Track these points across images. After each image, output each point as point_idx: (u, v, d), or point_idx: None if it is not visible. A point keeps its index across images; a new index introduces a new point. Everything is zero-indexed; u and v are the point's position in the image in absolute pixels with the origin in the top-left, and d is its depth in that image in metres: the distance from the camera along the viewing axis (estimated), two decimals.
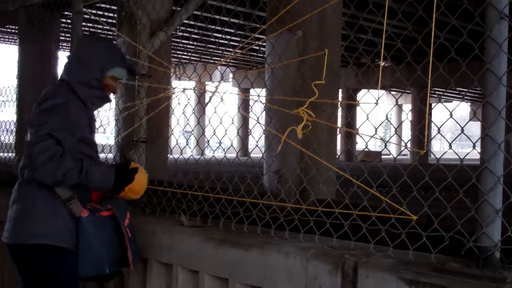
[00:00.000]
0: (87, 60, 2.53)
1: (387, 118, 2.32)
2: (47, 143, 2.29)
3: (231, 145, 2.87)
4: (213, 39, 3.73)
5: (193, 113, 3.44)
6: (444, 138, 2.80)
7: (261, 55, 5.35)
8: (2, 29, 15.89)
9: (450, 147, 2.16)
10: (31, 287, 2.49)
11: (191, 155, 3.29)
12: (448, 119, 2.25)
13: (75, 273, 2.43)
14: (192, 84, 3.91)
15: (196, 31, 3.73)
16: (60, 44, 6.50)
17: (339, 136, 3.41)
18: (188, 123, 5.37)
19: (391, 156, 2.69)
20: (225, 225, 2.77)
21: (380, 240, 2.20)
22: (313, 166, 2.75)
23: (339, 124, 4.59)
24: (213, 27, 3.31)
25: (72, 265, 2.43)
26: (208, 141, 4.07)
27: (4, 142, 6.02)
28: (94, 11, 3.83)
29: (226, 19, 3.19)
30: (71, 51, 2.73)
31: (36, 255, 2.41)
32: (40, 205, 2.42)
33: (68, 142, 2.36)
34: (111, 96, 2.69)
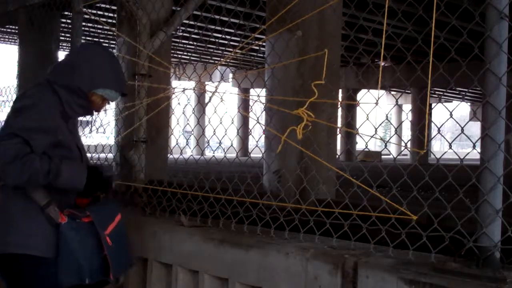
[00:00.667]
0: (82, 68, 2.37)
1: (387, 118, 2.32)
2: (11, 142, 2.18)
3: (231, 145, 2.87)
4: (213, 39, 3.73)
5: (193, 113, 3.44)
6: (444, 138, 2.79)
7: (261, 55, 5.35)
8: (2, 29, 15.88)
9: (450, 147, 2.16)
10: None
11: (191, 155, 3.29)
12: (448, 119, 2.25)
13: (53, 282, 2.28)
14: (192, 84, 3.91)
15: (196, 31, 3.72)
16: (60, 44, 6.50)
17: (339, 136, 3.41)
18: (188, 123, 5.37)
19: (391, 156, 2.69)
20: (225, 225, 2.77)
21: (380, 240, 2.20)
22: (313, 166, 2.75)
23: (339, 124, 4.59)
24: (213, 27, 3.31)
25: (49, 274, 2.27)
26: (208, 141, 4.07)
27: None
28: (94, 11, 3.83)
29: (226, 19, 3.19)
30: (69, 53, 2.59)
31: (12, 265, 2.29)
32: (14, 212, 2.31)
33: (38, 142, 2.23)
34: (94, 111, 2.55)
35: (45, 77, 2.42)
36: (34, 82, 2.48)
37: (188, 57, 17.52)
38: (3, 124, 2.31)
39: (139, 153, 3.52)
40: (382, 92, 2.44)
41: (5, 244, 2.28)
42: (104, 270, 2.38)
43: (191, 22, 3.86)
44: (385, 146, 2.39)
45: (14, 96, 5.99)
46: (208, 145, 4.05)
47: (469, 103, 32.13)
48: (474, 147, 2.00)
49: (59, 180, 2.26)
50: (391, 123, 2.68)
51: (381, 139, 2.45)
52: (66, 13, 5.72)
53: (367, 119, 2.29)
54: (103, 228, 2.38)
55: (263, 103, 3.08)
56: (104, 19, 3.70)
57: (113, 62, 2.49)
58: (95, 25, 3.90)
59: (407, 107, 32.13)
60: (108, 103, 2.54)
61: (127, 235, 2.58)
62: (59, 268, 2.28)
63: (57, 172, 2.25)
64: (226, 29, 3.56)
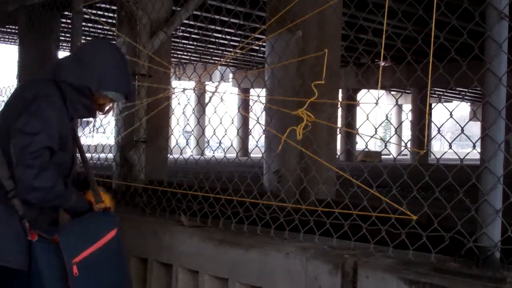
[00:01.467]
0: (94, 68, 2.21)
1: (387, 118, 2.32)
2: (47, 163, 2.06)
3: (231, 145, 2.87)
4: (213, 39, 3.73)
5: (193, 113, 3.44)
6: (444, 138, 2.79)
7: (261, 55, 5.35)
8: (2, 29, 15.88)
9: (450, 147, 2.16)
10: None
11: (191, 155, 3.28)
12: (448, 119, 2.25)
13: None
14: (192, 84, 3.91)
15: (196, 31, 3.72)
16: (60, 44, 6.50)
17: (339, 136, 3.41)
18: (188, 123, 5.37)
19: (391, 156, 2.69)
20: (225, 225, 2.77)
21: (380, 240, 2.20)
22: (313, 166, 2.75)
23: (339, 124, 4.59)
24: (213, 27, 3.31)
25: (24, 287, 2.09)
26: (208, 141, 4.07)
27: None
28: (94, 11, 3.83)
29: (226, 19, 3.19)
30: (78, 50, 2.41)
31: None
32: None
33: (56, 155, 2.14)
34: (98, 113, 2.38)
35: (50, 73, 2.26)
36: (37, 78, 2.31)
37: (188, 57, 17.52)
38: (17, 119, 2.10)
39: (139, 153, 3.52)
40: (382, 92, 2.44)
41: None
42: None
43: (191, 22, 3.86)
44: (385, 146, 2.39)
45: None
46: (208, 145, 4.05)
47: (469, 103, 32.12)
48: (474, 147, 2.00)
49: (68, 204, 2.18)
50: (391, 123, 2.68)
51: (381, 139, 2.45)
52: (66, 13, 5.72)
53: (367, 119, 2.29)
54: (71, 255, 2.09)
55: (263, 103, 3.08)
56: (104, 19, 3.71)
57: (123, 62, 2.33)
58: (95, 25, 3.90)
59: (407, 107, 32.12)
60: (113, 105, 2.42)
61: (120, 260, 2.30)
62: (31, 284, 2.09)
63: (69, 198, 2.17)
64: (226, 29, 3.56)
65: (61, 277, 2.08)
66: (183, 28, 4.30)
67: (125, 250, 2.33)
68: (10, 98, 2.29)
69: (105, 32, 4.38)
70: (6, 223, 2.10)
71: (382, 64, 2.37)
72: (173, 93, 3.23)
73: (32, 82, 2.28)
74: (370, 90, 2.34)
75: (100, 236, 2.19)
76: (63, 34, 7.43)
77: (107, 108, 2.37)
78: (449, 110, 2.19)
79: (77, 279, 2.07)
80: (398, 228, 2.13)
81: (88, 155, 2.78)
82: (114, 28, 4.15)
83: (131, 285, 2.39)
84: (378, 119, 2.66)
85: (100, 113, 2.37)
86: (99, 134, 4.54)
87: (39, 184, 2.04)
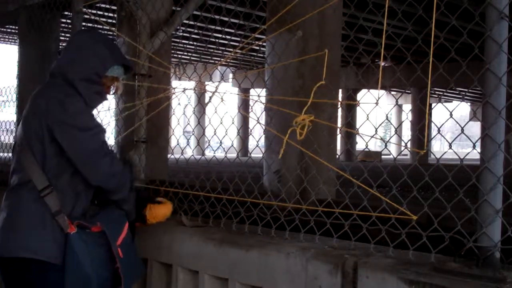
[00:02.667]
0: (91, 55, 2.39)
1: (387, 118, 2.32)
2: (117, 164, 2.42)
3: (232, 145, 2.87)
4: (213, 39, 3.73)
5: (194, 113, 3.44)
6: (444, 138, 2.79)
7: (261, 55, 5.35)
8: (2, 29, 15.89)
9: (450, 147, 2.16)
10: None
11: (192, 155, 3.28)
12: (448, 119, 2.25)
13: None
14: (192, 84, 3.91)
15: (196, 31, 3.72)
16: (60, 44, 6.50)
17: (339, 136, 3.41)
18: (188, 123, 5.37)
19: (391, 156, 2.70)
20: (226, 225, 2.77)
21: (380, 240, 2.20)
22: (313, 166, 2.75)
23: (339, 124, 4.59)
24: (213, 27, 3.31)
25: (56, 281, 2.22)
26: (209, 141, 4.07)
27: (4, 142, 6.02)
28: (94, 11, 3.83)
29: (226, 19, 3.19)
30: (71, 45, 2.50)
31: (19, 270, 2.25)
32: (26, 216, 2.26)
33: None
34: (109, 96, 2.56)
35: (60, 76, 2.38)
36: (47, 83, 2.44)
37: (188, 57, 17.52)
38: (78, 147, 2.30)
39: (140, 153, 3.52)
40: (382, 92, 2.44)
41: (15, 248, 2.24)
42: (113, 283, 2.33)
43: (191, 22, 3.86)
44: (385, 146, 2.39)
45: (14, 96, 6.00)
46: (209, 145, 4.05)
47: (469, 103, 32.13)
48: (474, 147, 2.00)
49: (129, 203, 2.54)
50: (391, 123, 2.68)
51: (381, 139, 2.45)
52: (66, 13, 5.72)
53: (367, 119, 2.29)
54: (114, 239, 2.32)
55: (263, 103, 3.08)
56: (104, 19, 3.71)
57: (109, 40, 2.55)
58: (95, 25, 3.90)
59: (407, 107, 32.13)
60: (117, 81, 2.54)
61: (135, 244, 2.57)
62: (66, 277, 2.22)
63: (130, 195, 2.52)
64: (226, 29, 3.56)
65: (102, 263, 2.30)
66: (183, 28, 4.30)
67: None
68: (27, 109, 2.41)
69: (105, 32, 4.38)
70: (42, 222, 2.24)
71: (382, 64, 2.37)
72: (173, 93, 3.23)
73: (45, 90, 2.41)
74: (370, 90, 2.34)
75: (123, 225, 2.45)
76: (63, 34, 7.44)
77: (114, 88, 2.55)
78: (449, 110, 2.19)
79: (122, 260, 2.32)
80: (398, 228, 2.13)
81: None
82: (114, 28, 4.15)
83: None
84: (378, 119, 2.66)
85: (111, 94, 2.56)
86: None
87: (116, 169, 2.38)
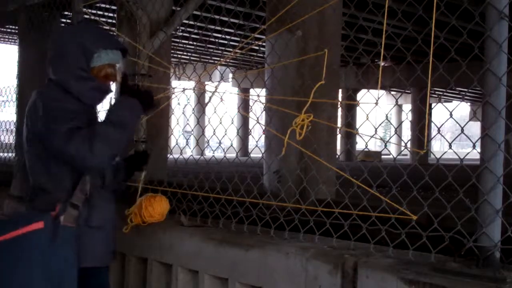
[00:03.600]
0: (70, 51, 2.18)
1: (387, 118, 2.32)
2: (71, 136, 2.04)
3: (231, 145, 2.87)
4: (213, 39, 3.73)
5: (193, 113, 3.44)
6: (444, 138, 2.80)
7: (261, 55, 5.34)
8: (2, 29, 15.87)
9: (450, 147, 2.16)
10: None
11: (191, 155, 3.28)
12: (448, 119, 2.24)
13: None
14: (191, 84, 3.91)
15: (196, 31, 3.72)
16: None
17: (339, 136, 3.41)
18: (188, 123, 5.37)
19: (391, 156, 2.70)
20: (225, 225, 2.77)
21: (380, 240, 2.20)
22: (313, 166, 2.75)
23: (339, 124, 4.59)
24: (213, 27, 3.31)
25: None
26: (208, 141, 4.07)
27: (4, 142, 6.02)
28: (94, 11, 3.83)
29: (226, 19, 3.19)
30: (52, 46, 2.31)
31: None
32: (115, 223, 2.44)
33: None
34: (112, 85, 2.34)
35: (48, 78, 2.27)
36: (40, 87, 2.29)
37: (188, 57, 17.51)
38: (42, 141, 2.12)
39: None
40: (382, 92, 2.44)
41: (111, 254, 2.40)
42: None
43: (191, 22, 3.86)
44: (385, 146, 2.39)
45: (14, 96, 6.00)
46: (208, 145, 4.05)
47: (469, 103, 32.11)
48: (474, 147, 2.00)
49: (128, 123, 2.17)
50: (391, 123, 2.68)
51: (381, 139, 2.45)
52: (66, 13, 5.72)
53: (367, 119, 2.29)
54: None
55: (263, 103, 3.08)
56: (104, 19, 3.70)
57: (93, 28, 2.35)
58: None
59: (407, 107, 32.12)
60: (115, 69, 2.29)
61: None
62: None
63: (121, 122, 2.12)
64: (226, 29, 3.56)
65: None
66: (183, 28, 4.30)
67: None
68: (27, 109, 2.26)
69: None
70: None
71: (382, 64, 2.37)
72: (173, 93, 3.23)
73: (38, 91, 2.25)
74: (370, 90, 2.34)
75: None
76: None
77: (113, 76, 2.28)
78: (449, 110, 2.19)
79: None
80: (398, 228, 2.13)
81: None
82: (114, 28, 4.15)
83: None
84: (378, 119, 2.66)
85: (113, 83, 2.32)
86: None
87: (96, 151, 2.03)
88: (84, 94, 2.21)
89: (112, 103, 2.34)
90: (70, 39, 2.22)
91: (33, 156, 2.21)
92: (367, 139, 2.30)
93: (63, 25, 6.64)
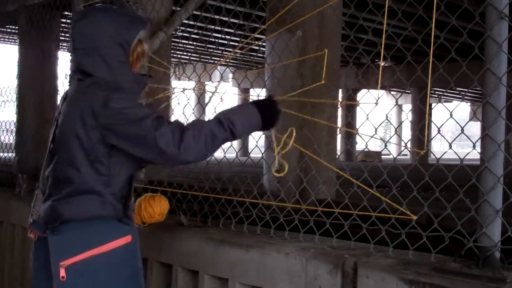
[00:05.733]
0: (110, 36, 2.01)
1: (387, 118, 2.32)
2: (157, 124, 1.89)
3: (231, 145, 2.87)
4: (213, 39, 3.73)
5: (193, 113, 3.44)
6: (444, 138, 2.79)
7: (261, 55, 5.34)
8: (2, 29, 15.87)
9: (450, 147, 2.16)
10: None
11: None
12: (448, 119, 2.24)
13: None
14: (191, 84, 3.91)
15: (196, 31, 3.72)
16: (60, 44, 6.50)
17: (339, 136, 3.41)
18: None
19: (391, 156, 2.70)
20: (225, 225, 2.77)
21: (380, 240, 2.20)
22: (313, 166, 2.75)
23: (339, 124, 4.59)
24: (212, 27, 3.31)
25: None
26: None
27: (4, 142, 6.02)
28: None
29: (226, 19, 3.19)
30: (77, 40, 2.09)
31: None
32: None
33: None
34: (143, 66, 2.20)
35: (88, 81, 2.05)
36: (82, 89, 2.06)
37: (188, 57, 17.51)
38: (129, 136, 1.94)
39: None
40: (382, 92, 2.44)
41: None
42: None
43: (191, 22, 3.85)
44: (385, 146, 2.39)
45: (14, 96, 5.99)
46: None
47: (469, 103, 32.11)
48: (474, 147, 2.00)
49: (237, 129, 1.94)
50: (391, 123, 2.68)
51: (381, 139, 2.45)
52: (66, 13, 5.72)
53: (367, 119, 2.29)
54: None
55: None
56: None
57: (109, 10, 2.14)
58: None
59: (407, 107, 32.11)
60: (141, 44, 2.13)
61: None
62: None
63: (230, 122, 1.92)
64: (226, 29, 3.56)
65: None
66: (183, 28, 4.30)
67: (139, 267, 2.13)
68: (65, 110, 2.08)
69: None
70: None
71: (382, 64, 2.37)
72: (173, 93, 3.23)
73: (86, 91, 2.03)
74: (370, 90, 2.34)
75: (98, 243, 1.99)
76: (63, 34, 7.43)
77: (143, 53, 2.14)
78: (449, 110, 2.19)
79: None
80: (398, 228, 2.13)
81: None
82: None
83: None
84: (378, 119, 2.66)
85: (145, 61, 2.20)
86: None
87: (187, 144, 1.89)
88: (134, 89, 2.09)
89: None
90: (99, 33, 2.03)
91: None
92: (367, 139, 2.30)
93: (62, 24, 6.65)
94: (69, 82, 2.14)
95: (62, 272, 1.93)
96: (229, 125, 1.92)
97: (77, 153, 1.98)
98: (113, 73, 2.04)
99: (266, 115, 1.99)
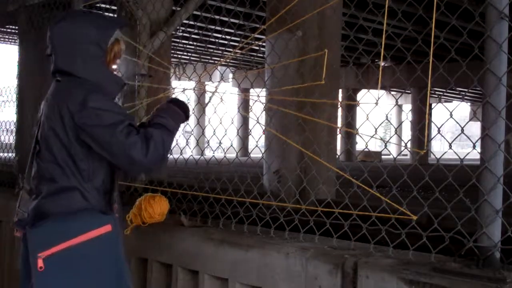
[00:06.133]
0: (84, 42, 2.07)
1: (387, 118, 2.32)
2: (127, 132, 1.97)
3: (231, 145, 2.87)
4: (213, 39, 3.73)
5: (193, 113, 3.43)
6: (444, 138, 2.79)
7: (261, 55, 5.35)
8: (2, 29, 15.87)
9: (450, 147, 2.16)
10: None
11: (191, 155, 3.28)
12: (448, 119, 2.24)
13: None
14: (192, 84, 3.91)
15: (196, 31, 3.72)
16: None
17: (339, 136, 3.41)
18: (187, 123, 5.36)
19: (391, 156, 2.70)
20: (225, 225, 2.77)
21: (380, 240, 2.20)
22: (313, 166, 2.75)
23: (339, 124, 4.59)
24: (213, 27, 3.31)
25: None
26: (208, 141, 4.07)
27: (4, 142, 6.02)
28: (94, 11, 3.82)
29: (226, 19, 3.19)
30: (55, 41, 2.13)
31: None
32: None
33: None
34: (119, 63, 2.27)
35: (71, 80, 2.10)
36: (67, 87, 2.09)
37: (188, 57, 17.51)
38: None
39: None
40: (382, 92, 2.44)
41: None
42: None
43: (191, 22, 3.86)
44: (385, 146, 2.39)
45: (14, 96, 6.00)
46: (208, 145, 4.04)
47: (469, 103, 32.10)
48: (474, 147, 2.00)
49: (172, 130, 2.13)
50: (391, 123, 2.68)
51: (381, 139, 2.45)
52: None
53: (367, 119, 2.29)
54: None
55: (263, 103, 3.08)
56: None
57: (83, 14, 2.22)
58: None
59: (407, 107, 32.10)
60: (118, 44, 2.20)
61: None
62: None
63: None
64: (226, 29, 3.56)
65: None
66: (183, 28, 4.30)
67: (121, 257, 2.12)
68: (45, 110, 2.13)
69: None
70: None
71: (382, 64, 2.37)
72: (173, 93, 3.23)
73: (65, 90, 2.09)
74: (370, 90, 2.34)
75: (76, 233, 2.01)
76: None
77: (119, 52, 2.21)
78: (449, 110, 2.19)
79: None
80: (398, 228, 2.13)
81: None
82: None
83: None
84: (378, 119, 2.66)
85: (119, 60, 2.25)
86: None
87: (154, 151, 2.00)
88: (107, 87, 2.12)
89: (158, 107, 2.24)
90: (79, 34, 2.08)
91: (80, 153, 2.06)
92: (367, 139, 2.30)
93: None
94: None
95: (40, 263, 1.95)
96: (168, 127, 2.10)
97: (58, 151, 2.05)
98: (92, 72, 2.09)
99: (182, 108, 2.24)
